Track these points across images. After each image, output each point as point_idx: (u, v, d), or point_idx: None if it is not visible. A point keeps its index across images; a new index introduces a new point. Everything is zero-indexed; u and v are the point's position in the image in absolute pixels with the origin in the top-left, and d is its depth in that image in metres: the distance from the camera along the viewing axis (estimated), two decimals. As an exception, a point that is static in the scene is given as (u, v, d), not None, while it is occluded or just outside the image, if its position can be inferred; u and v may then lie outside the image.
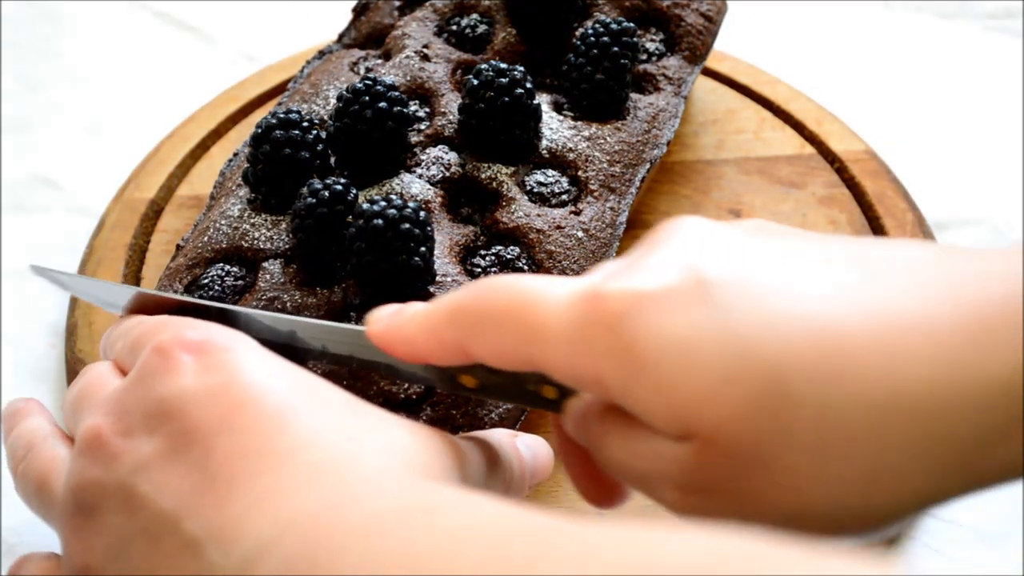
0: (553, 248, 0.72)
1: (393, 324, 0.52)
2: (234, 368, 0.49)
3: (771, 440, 0.41)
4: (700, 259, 0.45)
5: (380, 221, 0.64)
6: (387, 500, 0.43)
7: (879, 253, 0.44)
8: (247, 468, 0.45)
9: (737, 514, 0.43)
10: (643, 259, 0.47)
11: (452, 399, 0.65)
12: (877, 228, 0.88)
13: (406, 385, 0.65)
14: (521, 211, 0.74)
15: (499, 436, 0.57)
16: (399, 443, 0.48)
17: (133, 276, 0.85)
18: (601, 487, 0.53)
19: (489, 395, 0.54)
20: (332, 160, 0.74)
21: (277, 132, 0.71)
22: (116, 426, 0.49)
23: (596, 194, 0.76)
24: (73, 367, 0.80)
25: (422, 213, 0.66)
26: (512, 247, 0.72)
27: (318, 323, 0.57)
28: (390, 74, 0.81)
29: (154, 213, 0.89)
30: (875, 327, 0.41)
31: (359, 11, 0.91)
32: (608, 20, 0.81)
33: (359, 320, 0.67)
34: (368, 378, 0.65)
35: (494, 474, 0.54)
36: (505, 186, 0.75)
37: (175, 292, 0.70)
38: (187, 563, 0.44)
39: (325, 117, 0.78)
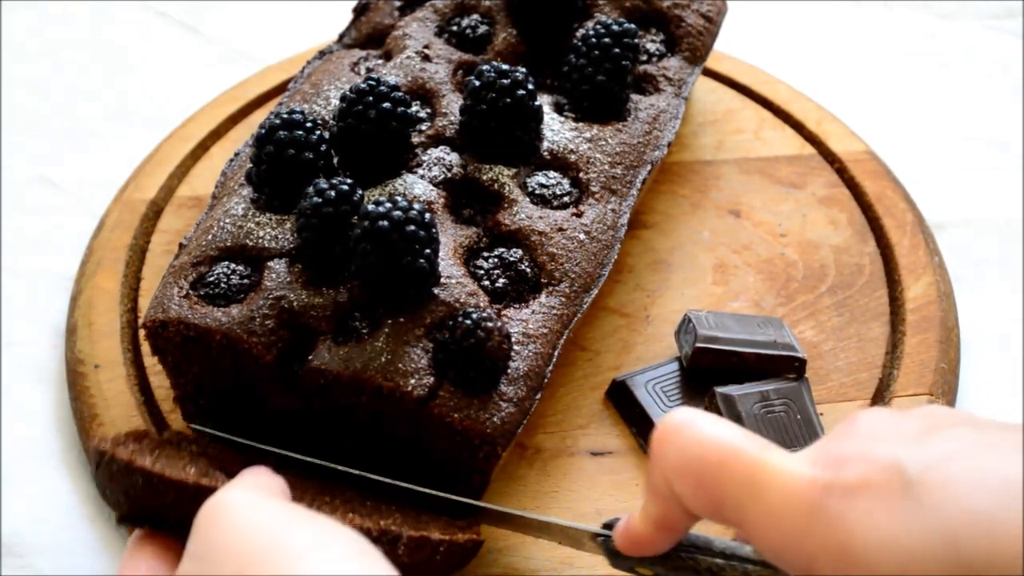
0: (555, 251, 0.72)
1: (628, 535, 0.57)
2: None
3: None
4: (900, 454, 0.47)
5: (385, 223, 0.64)
6: None
7: None
8: None
9: None
10: (845, 449, 0.49)
11: (455, 401, 0.65)
12: (877, 228, 0.88)
13: (410, 386, 0.65)
14: (523, 213, 0.74)
15: None
16: None
17: (133, 276, 0.85)
18: None
19: None
20: (335, 160, 0.74)
21: (281, 133, 0.71)
22: None
23: (597, 196, 0.76)
24: (73, 367, 0.80)
25: (427, 215, 0.66)
26: (515, 249, 0.73)
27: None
28: (391, 74, 0.81)
29: (154, 213, 0.89)
30: None
31: (359, 11, 0.90)
32: (609, 21, 0.81)
33: (364, 320, 0.68)
34: (371, 378, 0.65)
35: None
36: (507, 188, 0.75)
37: (180, 288, 0.70)
38: None
39: (327, 117, 0.78)
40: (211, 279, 0.70)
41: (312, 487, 0.66)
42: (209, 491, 0.59)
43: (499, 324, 0.65)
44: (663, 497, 0.53)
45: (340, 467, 0.68)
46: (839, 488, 0.47)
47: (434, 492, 0.66)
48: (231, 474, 0.64)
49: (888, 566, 0.45)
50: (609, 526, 0.60)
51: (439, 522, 0.65)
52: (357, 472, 0.68)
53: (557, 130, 0.78)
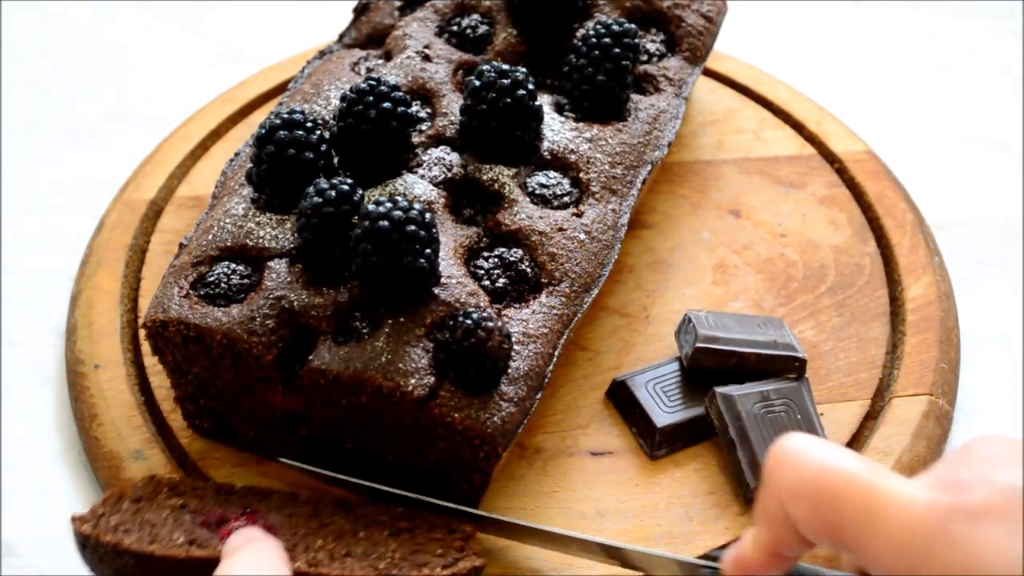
0: (555, 250, 0.72)
1: (738, 558, 0.56)
2: None
3: None
4: (1020, 479, 0.48)
5: (386, 223, 0.64)
6: None
7: None
8: None
9: None
10: (964, 473, 0.50)
11: (455, 401, 0.65)
12: (877, 228, 0.88)
13: (411, 386, 0.65)
14: (523, 213, 0.74)
15: None
16: None
17: (133, 276, 0.85)
18: None
19: None
20: (335, 160, 0.74)
21: (281, 132, 0.71)
22: None
23: (598, 196, 0.76)
24: (73, 367, 0.80)
25: (427, 215, 0.66)
26: (515, 249, 0.73)
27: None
28: (391, 74, 0.81)
29: (154, 213, 0.89)
30: None
31: (359, 11, 0.90)
32: (609, 21, 0.81)
33: (364, 320, 0.68)
34: (372, 378, 0.65)
35: None
36: (507, 188, 0.75)
37: (180, 288, 0.70)
38: None
39: (327, 117, 0.78)
40: (211, 279, 0.70)
41: (302, 523, 0.66)
42: (205, 562, 0.60)
43: (499, 324, 0.65)
44: (777, 522, 0.53)
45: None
46: (962, 512, 0.48)
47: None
48: (217, 524, 0.64)
49: None
50: (711, 558, 0.59)
51: (435, 542, 0.65)
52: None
53: (557, 130, 0.78)
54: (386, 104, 0.72)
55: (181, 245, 0.74)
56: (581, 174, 0.77)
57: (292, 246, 0.70)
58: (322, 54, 0.87)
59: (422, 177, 0.74)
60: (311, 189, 0.68)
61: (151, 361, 0.77)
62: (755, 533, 0.55)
